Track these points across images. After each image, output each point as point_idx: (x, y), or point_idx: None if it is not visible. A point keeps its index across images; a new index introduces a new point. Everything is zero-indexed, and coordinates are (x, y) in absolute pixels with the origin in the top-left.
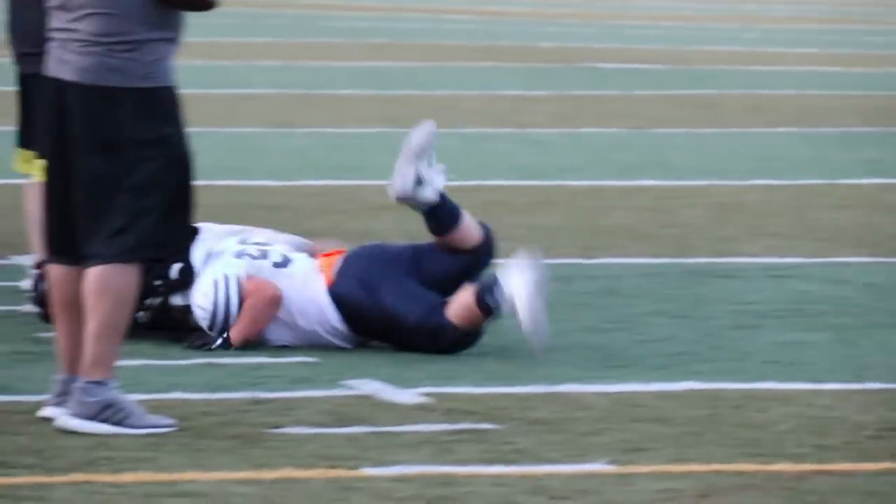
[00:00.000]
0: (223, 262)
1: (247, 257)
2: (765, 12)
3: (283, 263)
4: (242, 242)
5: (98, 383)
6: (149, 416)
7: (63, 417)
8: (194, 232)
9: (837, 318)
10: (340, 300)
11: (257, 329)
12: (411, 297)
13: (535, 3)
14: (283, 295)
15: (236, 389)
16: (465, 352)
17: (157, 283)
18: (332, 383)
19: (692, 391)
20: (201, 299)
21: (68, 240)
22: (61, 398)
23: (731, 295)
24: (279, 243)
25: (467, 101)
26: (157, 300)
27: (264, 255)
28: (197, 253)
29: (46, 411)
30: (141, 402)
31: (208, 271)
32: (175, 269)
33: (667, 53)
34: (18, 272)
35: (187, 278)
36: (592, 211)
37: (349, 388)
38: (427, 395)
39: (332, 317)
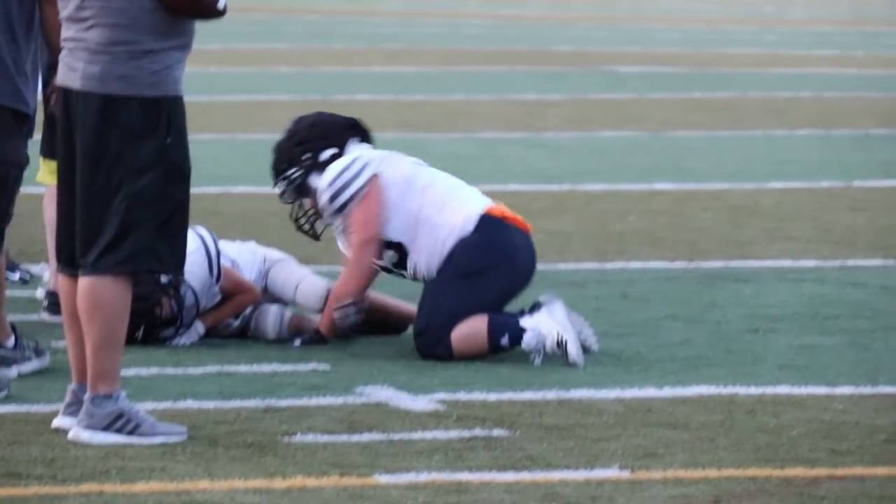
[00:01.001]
0: (374, 153)
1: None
2: (783, 15)
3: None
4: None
5: (105, 396)
6: (160, 425)
7: (74, 429)
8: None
9: (852, 322)
10: (472, 234)
11: (360, 286)
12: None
13: (550, 7)
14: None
15: (249, 397)
16: (479, 358)
17: (304, 157)
18: (346, 391)
19: (706, 396)
20: (330, 173)
21: (74, 250)
22: (73, 408)
23: (746, 299)
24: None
25: (482, 106)
26: (299, 174)
27: (418, 163)
28: (357, 148)
29: (59, 421)
30: (153, 410)
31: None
32: (327, 153)
33: (684, 56)
34: (33, 281)
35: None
36: (607, 215)
37: (362, 396)
38: (440, 401)
39: (461, 230)
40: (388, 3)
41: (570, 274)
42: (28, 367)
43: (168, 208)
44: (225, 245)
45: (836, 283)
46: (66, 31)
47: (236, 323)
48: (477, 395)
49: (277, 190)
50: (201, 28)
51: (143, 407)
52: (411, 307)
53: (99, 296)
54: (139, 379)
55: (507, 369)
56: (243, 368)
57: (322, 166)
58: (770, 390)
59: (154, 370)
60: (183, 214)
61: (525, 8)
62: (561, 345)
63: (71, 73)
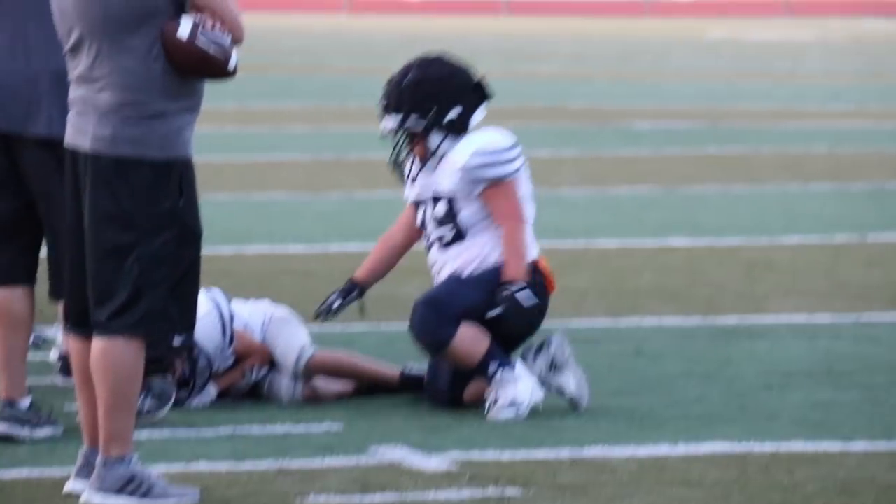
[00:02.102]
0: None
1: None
2: (797, 69)
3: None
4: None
5: (118, 459)
6: (172, 488)
7: (87, 493)
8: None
9: (867, 377)
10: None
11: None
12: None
13: (565, 63)
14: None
15: (261, 459)
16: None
17: (432, 110)
18: (359, 450)
19: (720, 453)
20: (489, 142)
21: (85, 311)
22: (85, 471)
23: (760, 355)
24: None
25: None
26: (422, 125)
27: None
28: (482, 113)
29: (71, 485)
30: (165, 473)
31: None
32: (455, 112)
33: (698, 111)
34: (46, 345)
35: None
36: (622, 271)
37: (375, 456)
38: (453, 461)
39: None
40: (402, 61)
41: (584, 331)
42: (41, 432)
43: (181, 270)
44: (237, 306)
45: (852, 338)
46: (76, 91)
47: (243, 381)
48: (490, 454)
49: (387, 124)
50: (215, 87)
51: (156, 469)
52: (394, 368)
53: (112, 358)
54: (151, 441)
55: (521, 428)
56: (255, 430)
57: (446, 126)
58: (784, 446)
59: (166, 432)
60: (195, 276)
61: (539, 64)
62: (514, 404)
63: (80, 134)
